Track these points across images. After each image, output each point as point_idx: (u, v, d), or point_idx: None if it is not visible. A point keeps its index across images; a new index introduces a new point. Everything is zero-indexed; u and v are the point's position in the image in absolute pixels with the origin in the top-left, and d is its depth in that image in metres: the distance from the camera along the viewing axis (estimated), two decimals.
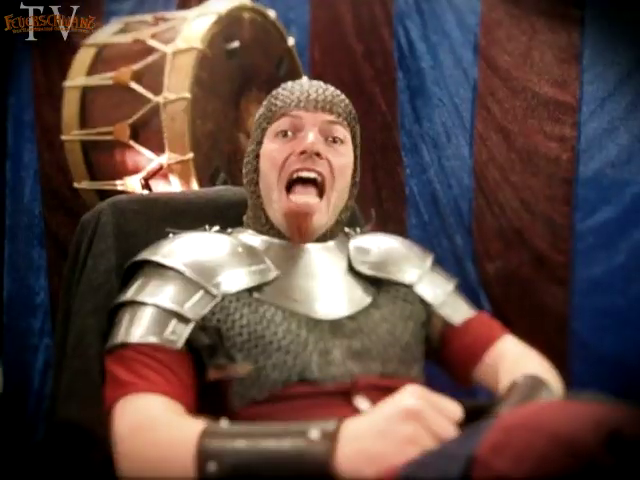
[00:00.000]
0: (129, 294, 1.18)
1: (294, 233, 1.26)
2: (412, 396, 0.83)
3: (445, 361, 1.39)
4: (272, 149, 1.26)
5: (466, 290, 2.55)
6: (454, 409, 0.84)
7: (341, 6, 2.74)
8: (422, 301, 1.34)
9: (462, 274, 2.64)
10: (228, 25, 2.13)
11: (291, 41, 2.41)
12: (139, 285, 1.19)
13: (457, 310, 1.38)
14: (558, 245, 2.61)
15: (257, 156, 1.30)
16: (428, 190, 2.71)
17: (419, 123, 2.72)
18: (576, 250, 2.59)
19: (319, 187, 1.23)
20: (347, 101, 1.32)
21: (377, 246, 1.39)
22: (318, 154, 1.21)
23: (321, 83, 1.31)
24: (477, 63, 2.68)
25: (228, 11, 2.13)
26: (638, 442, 0.63)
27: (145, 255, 1.23)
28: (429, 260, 1.44)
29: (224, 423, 0.93)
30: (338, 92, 1.31)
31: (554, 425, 0.66)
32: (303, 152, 1.21)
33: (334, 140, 1.26)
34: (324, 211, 1.25)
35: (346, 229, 1.43)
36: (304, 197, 1.21)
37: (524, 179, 2.64)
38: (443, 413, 0.82)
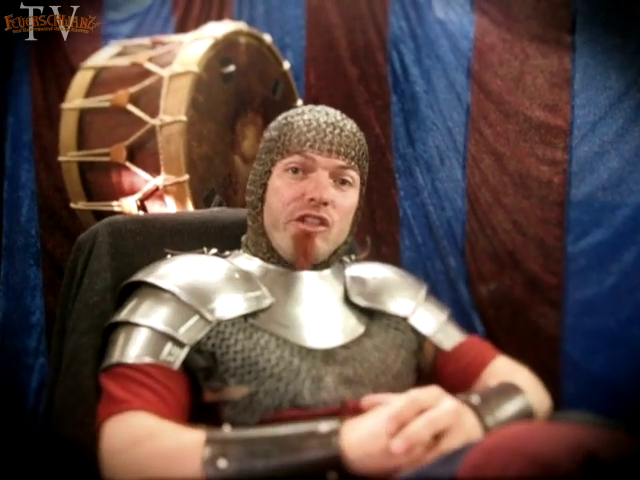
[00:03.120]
0: (123, 314, 1.19)
1: (299, 255, 1.25)
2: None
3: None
4: (281, 186, 1.26)
5: (459, 312, 2.60)
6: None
7: (336, 31, 2.78)
8: (415, 331, 1.34)
9: (455, 296, 2.66)
10: (224, 49, 2.16)
11: (287, 65, 2.44)
12: (133, 306, 1.20)
13: (449, 336, 1.37)
14: (550, 267, 2.63)
15: (263, 184, 1.29)
16: (422, 212, 2.74)
17: (413, 146, 2.76)
18: (568, 272, 2.62)
19: (324, 223, 1.25)
20: (362, 140, 1.30)
21: (373, 277, 1.39)
22: (326, 203, 1.22)
23: (338, 120, 1.28)
24: (470, 87, 2.71)
25: (224, 35, 2.16)
26: (612, 464, 0.65)
27: (141, 276, 1.24)
28: (423, 291, 1.42)
29: (227, 428, 0.99)
30: (354, 130, 1.29)
31: (532, 447, 0.67)
32: (312, 200, 1.21)
33: (343, 182, 1.26)
34: (327, 238, 1.26)
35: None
36: (311, 227, 1.23)
37: (516, 202, 2.67)
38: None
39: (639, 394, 2.34)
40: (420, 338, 1.34)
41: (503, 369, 1.34)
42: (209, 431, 0.97)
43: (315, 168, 1.23)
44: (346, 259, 1.45)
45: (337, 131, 1.25)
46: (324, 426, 0.92)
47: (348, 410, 1.12)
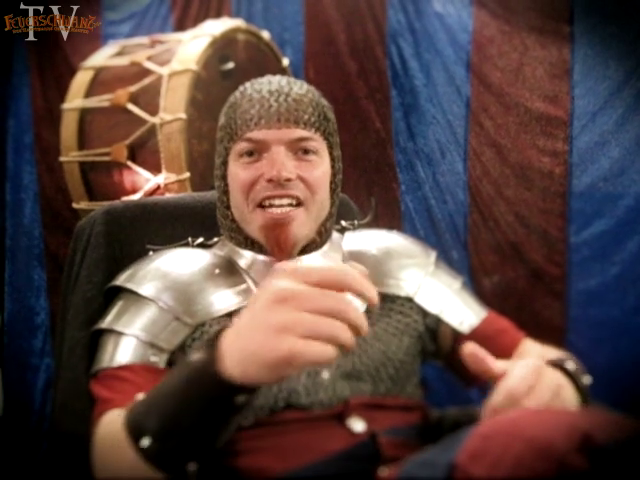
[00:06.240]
0: (107, 321, 1.16)
1: (273, 246, 1.16)
2: (283, 277, 0.74)
3: (461, 369, 1.20)
4: (238, 172, 1.16)
5: None
6: (333, 273, 0.74)
7: (335, 26, 2.78)
8: (422, 311, 1.24)
9: None
10: (223, 46, 2.17)
11: (286, 61, 2.45)
12: (117, 312, 1.16)
13: (465, 316, 1.27)
14: (553, 258, 2.63)
15: (224, 176, 1.20)
16: (423, 206, 2.74)
17: (413, 140, 2.75)
18: (571, 263, 2.61)
19: (296, 203, 1.15)
20: (317, 101, 1.18)
21: (374, 251, 1.28)
22: (288, 179, 1.11)
23: (283, 85, 1.15)
24: (469, 80, 2.71)
25: (223, 33, 2.16)
26: (609, 446, 0.65)
27: (122, 280, 1.20)
28: (431, 260, 1.31)
29: (139, 395, 0.91)
30: (303, 92, 1.16)
31: (529, 431, 0.67)
32: (270, 180, 1.11)
33: (305, 151, 1.15)
34: (304, 220, 1.15)
35: (343, 222, 1.36)
36: (280, 209, 1.13)
37: (518, 193, 2.66)
38: (319, 283, 0.73)
39: None
40: (430, 319, 1.25)
41: (534, 349, 1.29)
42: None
43: (268, 146, 1.12)
44: (348, 226, 1.36)
45: (282, 98, 1.12)
46: (195, 356, 0.79)
47: (352, 409, 1.07)
